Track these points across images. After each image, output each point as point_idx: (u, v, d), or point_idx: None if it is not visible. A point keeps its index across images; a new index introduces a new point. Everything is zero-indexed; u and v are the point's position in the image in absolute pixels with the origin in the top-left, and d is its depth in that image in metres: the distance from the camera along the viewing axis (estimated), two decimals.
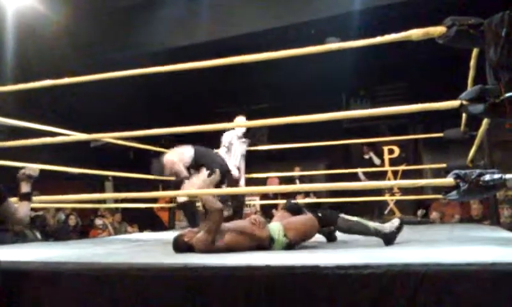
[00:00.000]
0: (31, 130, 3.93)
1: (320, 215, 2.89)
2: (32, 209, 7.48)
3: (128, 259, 2.46)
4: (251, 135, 5.58)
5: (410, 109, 2.59)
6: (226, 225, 2.75)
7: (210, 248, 2.57)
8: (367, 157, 8.39)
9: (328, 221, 2.90)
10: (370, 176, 7.46)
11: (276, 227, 2.73)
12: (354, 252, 2.42)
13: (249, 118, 4.99)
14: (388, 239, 2.80)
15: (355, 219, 2.93)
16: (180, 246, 2.69)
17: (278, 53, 2.67)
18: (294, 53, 2.65)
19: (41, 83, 3.09)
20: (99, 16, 6.88)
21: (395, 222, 2.86)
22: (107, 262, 2.30)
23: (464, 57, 3.46)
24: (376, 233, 2.84)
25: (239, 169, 5.28)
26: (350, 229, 2.91)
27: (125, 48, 7.41)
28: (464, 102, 2.33)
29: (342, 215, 2.92)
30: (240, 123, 4.72)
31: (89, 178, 9.41)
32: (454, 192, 2.30)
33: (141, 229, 7.68)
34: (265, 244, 2.65)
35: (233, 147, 5.27)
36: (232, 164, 5.17)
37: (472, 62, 3.32)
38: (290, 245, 2.68)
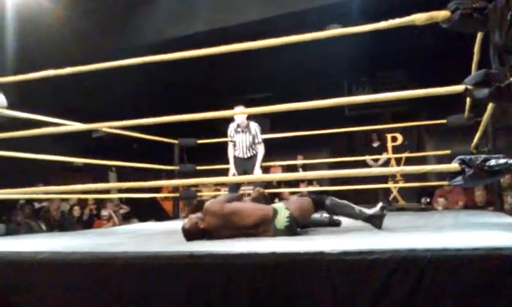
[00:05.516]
0: (33, 121, 3.93)
1: (312, 197, 3.17)
2: (37, 200, 7.57)
3: (134, 248, 2.47)
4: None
5: (414, 94, 2.57)
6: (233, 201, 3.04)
7: (220, 211, 2.81)
8: (375, 144, 8.34)
9: (318, 203, 3.10)
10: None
11: (278, 203, 3.06)
12: (358, 239, 2.42)
13: (252, 107, 4.99)
14: (374, 221, 2.94)
15: (343, 202, 3.14)
16: (194, 234, 2.81)
17: (279, 40, 2.63)
18: (295, 39, 2.62)
19: (42, 73, 3.07)
20: (99, 7, 6.85)
21: (378, 205, 3.00)
22: (113, 251, 2.31)
23: (467, 42, 3.43)
24: (361, 215, 3.01)
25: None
26: (337, 210, 3.13)
27: (126, 38, 7.39)
28: (469, 87, 2.31)
29: (331, 197, 3.14)
30: (243, 111, 4.71)
31: (93, 169, 9.46)
32: (459, 178, 2.29)
33: (145, 220, 7.70)
34: (270, 215, 2.85)
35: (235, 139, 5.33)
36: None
37: (476, 47, 3.28)
38: (292, 218, 2.85)
